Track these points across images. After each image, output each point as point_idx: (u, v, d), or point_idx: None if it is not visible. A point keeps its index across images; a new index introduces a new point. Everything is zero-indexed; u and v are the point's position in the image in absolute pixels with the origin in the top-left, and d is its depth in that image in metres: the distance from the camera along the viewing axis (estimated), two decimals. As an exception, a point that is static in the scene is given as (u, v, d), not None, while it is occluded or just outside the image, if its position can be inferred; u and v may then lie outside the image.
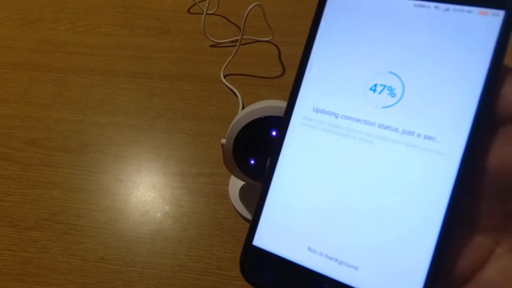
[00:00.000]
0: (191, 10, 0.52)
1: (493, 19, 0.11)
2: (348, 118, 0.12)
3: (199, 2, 0.52)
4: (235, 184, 0.29)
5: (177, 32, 0.47)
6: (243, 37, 0.46)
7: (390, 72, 0.12)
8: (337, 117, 0.12)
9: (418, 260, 0.11)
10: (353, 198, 0.11)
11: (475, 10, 0.11)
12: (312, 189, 0.12)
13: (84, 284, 0.23)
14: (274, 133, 0.22)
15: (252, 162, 0.23)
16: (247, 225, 0.27)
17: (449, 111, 0.11)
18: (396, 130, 0.11)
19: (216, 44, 0.45)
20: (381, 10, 0.12)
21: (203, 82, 0.40)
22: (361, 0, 0.12)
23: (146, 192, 0.29)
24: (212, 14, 0.51)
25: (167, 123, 0.35)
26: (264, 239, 0.12)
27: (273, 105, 0.22)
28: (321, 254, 0.11)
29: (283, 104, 0.23)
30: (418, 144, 0.11)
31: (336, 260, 0.11)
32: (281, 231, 0.12)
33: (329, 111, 0.12)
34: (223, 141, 0.23)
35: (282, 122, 0.13)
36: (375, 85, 0.12)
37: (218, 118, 0.35)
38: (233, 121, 0.23)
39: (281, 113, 0.22)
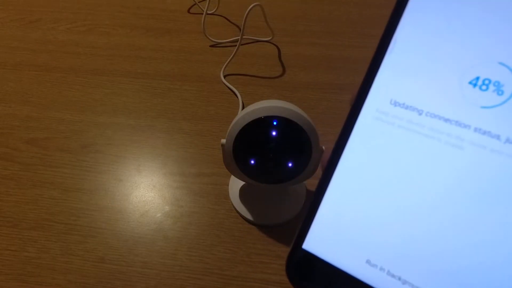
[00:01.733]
0: (191, 10, 0.52)
1: None
2: (436, 116, 0.09)
3: (199, 2, 0.52)
4: (235, 184, 0.29)
5: (177, 32, 0.47)
6: (243, 37, 0.46)
7: (500, 63, 0.09)
8: (420, 114, 0.10)
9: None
10: (429, 211, 0.09)
11: None
12: (379, 195, 0.10)
13: (84, 284, 0.23)
14: (274, 133, 0.22)
15: (252, 162, 0.23)
16: (247, 225, 0.27)
17: None
18: (497, 137, 0.09)
19: (216, 44, 0.45)
20: None
21: (203, 82, 0.40)
22: None
23: (146, 192, 0.29)
24: (212, 14, 0.51)
25: (167, 123, 0.35)
26: (316, 243, 0.11)
27: (273, 105, 0.22)
28: (382, 269, 0.10)
29: (283, 104, 0.23)
30: None
31: (399, 279, 0.10)
32: (337, 236, 0.10)
33: (411, 106, 0.10)
34: (223, 141, 0.23)
35: (350, 113, 0.10)
36: (477, 78, 0.09)
37: (218, 118, 0.35)
38: (233, 121, 0.23)
39: (281, 113, 0.22)
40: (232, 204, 0.28)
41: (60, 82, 0.39)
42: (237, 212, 0.27)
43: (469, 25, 0.09)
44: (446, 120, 0.10)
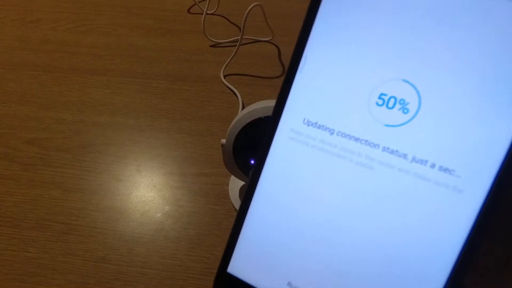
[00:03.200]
0: (191, 10, 0.52)
1: None
2: (346, 136, 0.10)
3: (199, 2, 0.52)
4: (235, 184, 0.29)
5: (177, 32, 0.47)
6: (243, 37, 0.46)
7: (404, 81, 0.09)
8: (332, 134, 0.10)
9: None
10: (344, 232, 0.10)
11: None
12: (296, 217, 0.10)
13: (84, 284, 0.23)
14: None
15: (252, 162, 0.23)
16: (247, 225, 0.27)
17: (476, 138, 0.08)
18: (404, 156, 0.09)
19: (216, 44, 0.45)
20: (396, 2, 0.09)
21: (203, 82, 0.40)
22: None
23: (146, 192, 0.29)
24: (212, 14, 0.51)
25: (167, 123, 0.35)
26: (240, 266, 0.11)
27: (273, 105, 0.22)
28: None
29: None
30: (431, 176, 0.09)
31: None
32: (259, 260, 0.10)
33: (323, 125, 0.10)
34: (223, 141, 0.23)
35: (265, 134, 0.10)
36: (384, 96, 0.09)
37: (218, 118, 0.35)
38: (233, 121, 0.23)
39: (281, 113, 0.22)
40: (232, 204, 0.28)
41: (60, 82, 0.39)
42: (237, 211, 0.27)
43: (375, 43, 0.09)
44: (356, 139, 0.10)
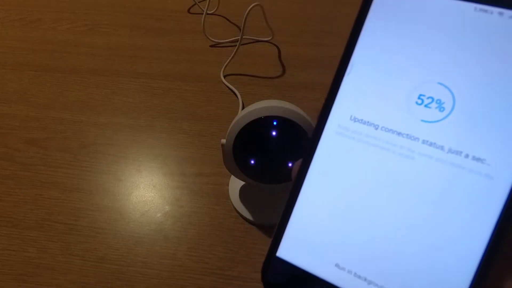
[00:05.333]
0: (191, 10, 0.52)
1: None
2: (389, 130, 0.11)
3: (199, 2, 0.52)
4: (235, 184, 0.29)
5: (177, 32, 0.47)
6: (244, 37, 0.46)
7: (439, 83, 0.11)
8: (376, 129, 0.11)
9: (454, 285, 0.10)
10: (388, 216, 0.11)
11: None
12: (344, 203, 0.11)
13: (84, 284, 0.23)
14: (274, 133, 0.22)
15: (252, 162, 0.23)
16: (248, 225, 0.27)
17: (503, 132, 0.10)
18: (441, 148, 0.10)
19: (216, 44, 0.45)
20: (436, 12, 0.11)
21: (203, 82, 0.40)
22: (413, 1, 0.11)
23: (146, 192, 0.29)
24: (212, 14, 0.51)
25: (167, 123, 0.35)
26: (289, 251, 0.11)
27: (273, 105, 0.22)
28: (349, 271, 0.11)
29: (283, 104, 0.23)
30: (465, 165, 0.10)
31: (365, 279, 0.11)
32: (308, 244, 0.11)
33: (368, 122, 0.11)
34: (223, 141, 0.23)
35: (315, 129, 0.12)
36: (422, 96, 0.11)
37: (218, 118, 0.35)
38: (233, 121, 0.23)
39: (281, 113, 0.22)
40: (232, 204, 0.28)
41: (60, 82, 0.39)
42: (237, 212, 0.27)
43: (416, 49, 0.11)
44: (398, 133, 0.11)
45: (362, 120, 0.11)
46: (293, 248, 0.11)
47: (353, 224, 0.11)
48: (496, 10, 0.10)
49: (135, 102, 0.37)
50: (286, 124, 0.22)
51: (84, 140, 0.33)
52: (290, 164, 0.23)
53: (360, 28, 0.12)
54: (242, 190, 0.28)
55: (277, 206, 0.27)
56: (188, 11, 0.52)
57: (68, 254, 0.25)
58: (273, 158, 0.23)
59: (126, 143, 0.33)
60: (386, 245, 0.11)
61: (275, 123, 0.22)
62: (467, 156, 0.10)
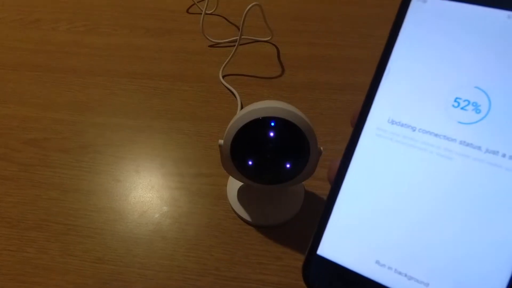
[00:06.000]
0: (190, 10, 0.52)
1: None
2: (427, 132, 0.11)
3: (198, 2, 0.52)
4: (234, 185, 0.28)
5: (176, 32, 0.47)
6: (243, 37, 0.46)
7: (476, 87, 0.11)
8: (414, 131, 0.12)
9: (493, 282, 0.10)
10: (426, 213, 0.11)
11: None
12: (383, 201, 0.12)
13: (82, 284, 0.23)
14: (272, 134, 0.22)
15: (250, 163, 0.23)
16: (246, 226, 0.27)
17: None
18: (479, 148, 0.11)
19: (215, 44, 0.45)
20: (470, 19, 0.11)
21: (202, 82, 0.40)
22: (448, 9, 0.12)
23: (144, 192, 0.29)
24: (211, 14, 0.50)
25: (166, 124, 0.35)
26: (329, 248, 0.12)
27: (272, 105, 0.22)
28: (390, 268, 0.11)
29: (281, 104, 0.22)
30: (503, 164, 0.11)
31: (405, 275, 0.11)
32: (348, 242, 0.12)
33: (405, 124, 0.12)
34: (221, 141, 0.23)
35: (354, 131, 0.12)
36: (459, 99, 0.11)
37: (217, 118, 0.35)
38: (231, 122, 0.23)
39: (279, 114, 0.22)
40: (230, 205, 0.28)
41: (59, 83, 0.40)
42: (235, 213, 0.27)
43: (452, 54, 0.11)
44: (436, 135, 0.11)
45: (400, 122, 0.12)
46: (334, 246, 0.12)
47: (392, 222, 0.11)
48: None
49: (134, 103, 0.37)
50: (284, 125, 0.22)
51: (83, 140, 0.33)
52: (288, 165, 0.23)
53: (397, 33, 0.12)
54: (240, 191, 0.28)
55: (275, 207, 0.27)
56: (187, 11, 0.52)
57: (67, 255, 0.25)
58: (270, 159, 0.23)
59: (125, 144, 0.33)
60: (425, 242, 0.11)
61: (272, 124, 0.22)
62: (504, 155, 0.11)
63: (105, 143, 0.33)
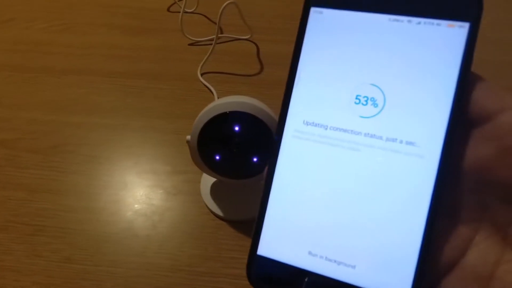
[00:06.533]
0: (170, 9, 0.52)
1: (460, 30, 0.12)
2: (337, 129, 0.13)
3: (178, 0, 0.52)
4: (207, 181, 0.28)
5: (155, 30, 0.47)
6: (223, 35, 0.46)
7: (372, 84, 0.12)
8: (326, 129, 0.13)
9: (408, 254, 0.12)
10: (346, 202, 0.12)
11: (444, 23, 0.12)
12: (307, 197, 0.13)
13: (49, 285, 0.23)
14: (236, 128, 0.22)
15: (217, 157, 0.23)
16: (219, 221, 0.27)
17: (426, 118, 0.12)
18: (380, 138, 0.12)
19: (195, 43, 0.45)
20: (360, 25, 0.13)
21: (180, 80, 0.39)
22: (341, 18, 0.13)
23: (117, 191, 0.29)
24: (191, 12, 0.50)
25: (142, 122, 0.34)
26: (267, 247, 0.13)
27: (236, 100, 0.22)
28: (321, 257, 0.12)
29: (246, 99, 0.23)
30: (401, 149, 0.12)
31: (335, 261, 0.12)
32: (283, 239, 0.13)
33: (318, 123, 0.13)
34: (188, 137, 0.23)
35: (276, 133, 0.13)
36: (359, 96, 0.13)
37: (194, 116, 0.34)
38: (197, 117, 0.23)
39: (243, 108, 0.22)
40: (204, 200, 0.28)
41: (33, 82, 0.39)
42: (209, 208, 0.27)
43: (349, 58, 0.13)
44: (344, 130, 0.13)
45: (313, 122, 0.13)
46: (270, 244, 0.13)
47: (318, 214, 0.13)
48: (405, 18, 0.12)
49: (110, 102, 0.37)
50: (249, 119, 0.22)
51: (55, 140, 0.32)
52: (255, 159, 0.23)
53: (302, 43, 0.13)
54: (213, 187, 0.28)
55: (247, 202, 0.27)
56: (168, 9, 0.52)
57: (34, 256, 0.24)
58: (237, 153, 0.23)
59: (99, 143, 0.32)
60: (348, 228, 0.12)
61: (237, 118, 0.22)
62: (401, 141, 0.12)
63: (78, 143, 0.32)
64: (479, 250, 0.11)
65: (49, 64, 0.41)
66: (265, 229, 0.13)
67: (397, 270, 0.12)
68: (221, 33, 0.46)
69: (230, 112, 0.22)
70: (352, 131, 0.13)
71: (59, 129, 0.33)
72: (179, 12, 0.46)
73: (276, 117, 0.23)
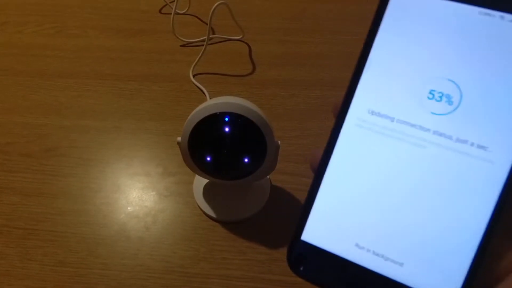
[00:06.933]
0: (162, 11, 0.52)
1: None
2: (404, 122, 0.12)
3: (170, 2, 0.52)
4: (199, 182, 0.29)
5: (147, 32, 0.47)
6: (214, 36, 0.46)
7: (449, 80, 0.12)
8: (392, 121, 0.12)
9: (461, 259, 0.11)
10: (401, 198, 0.12)
11: None
12: (362, 188, 0.12)
13: (42, 289, 0.23)
14: (227, 129, 0.22)
15: (208, 159, 0.23)
16: (211, 222, 0.27)
17: (502, 123, 0.11)
18: (450, 137, 0.12)
19: (187, 44, 0.45)
20: (444, 15, 0.12)
21: (172, 82, 0.40)
22: (425, 3, 0.12)
23: (110, 193, 0.29)
24: (183, 14, 0.50)
25: (134, 124, 0.35)
26: (313, 234, 0.12)
27: (227, 101, 0.22)
28: (368, 250, 0.12)
29: (236, 100, 0.23)
30: (471, 152, 0.11)
31: (382, 256, 0.12)
32: (330, 227, 0.12)
33: (384, 115, 0.12)
34: (179, 139, 0.23)
35: (336, 121, 0.13)
36: (433, 91, 0.12)
37: (186, 117, 0.35)
38: (187, 119, 0.23)
39: (233, 109, 0.22)
40: (196, 202, 0.28)
41: (25, 86, 0.39)
42: (201, 210, 0.27)
43: (427, 48, 0.12)
44: (412, 125, 0.12)
45: (379, 113, 0.12)
46: (317, 231, 0.12)
47: (370, 207, 0.12)
48: (497, 14, 0.11)
49: (102, 104, 0.37)
50: (238, 120, 0.22)
51: (47, 143, 0.32)
52: (246, 160, 0.23)
53: (377, 28, 0.13)
54: (206, 188, 0.28)
55: (240, 203, 0.27)
56: (160, 11, 0.52)
57: (26, 259, 0.24)
58: (228, 154, 0.23)
59: (92, 146, 0.32)
60: (400, 225, 0.12)
61: (226, 119, 0.22)
62: (472, 144, 0.12)
63: (70, 146, 0.32)
64: None
65: (41, 68, 0.41)
66: (313, 215, 0.13)
67: (448, 274, 0.11)
68: (213, 33, 0.46)
69: (220, 113, 0.22)
70: (420, 126, 0.12)
71: (52, 132, 0.34)
72: (171, 13, 0.47)
73: (266, 117, 0.23)
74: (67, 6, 0.52)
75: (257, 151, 0.23)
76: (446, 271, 0.11)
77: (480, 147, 0.11)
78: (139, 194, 0.29)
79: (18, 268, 0.24)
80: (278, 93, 0.38)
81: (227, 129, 0.22)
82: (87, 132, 0.34)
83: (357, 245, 0.12)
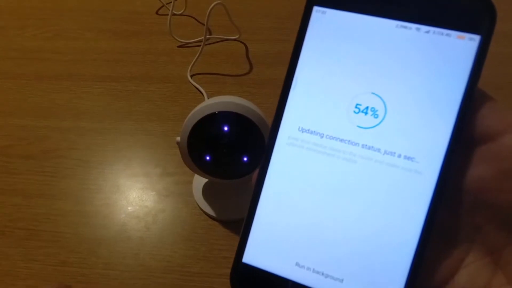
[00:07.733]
0: (159, 12, 0.52)
1: (469, 43, 0.11)
2: (333, 138, 0.12)
3: (167, 3, 0.52)
4: (199, 181, 0.29)
5: (144, 34, 0.47)
6: (211, 36, 0.46)
7: (373, 93, 0.12)
8: (322, 137, 0.12)
9: (397, 271, 0.11)
10: (337, 215, 0.12)
11: (454, 33, 0.11)
12: (298, 207, 0.12)
13: (45, 289, 0.23)
14: (226, 129, 0.23)
15: (208, 158, 0.24)
16: (211, 221, 0.28)
17: (427, 133, 0.11)
18: (378, 150, 0.12)
19: (184, 45, 0.46)
20: (364, 29, 0.12)
21: (169, 82, 0.40)
22: (345, 20, 0.12)
23: (109, 194, 0.29)
24: (180, 15, 0.51)
25: (132, 125, 0.35)
26: (253, 256, 0.12)
27: (226, 100, 0.23)
28: (308, 268, 0.12)
29: (236, 99, 0.23)
30: (399, 164, 0.12)
31: (322, 273, 0.12)
32: (270, 248, 0.12)
33: (314, 131, 0.12)
34: (178, 138, 0.24)
35: (268, 141, 0.13)
36: (359, 105, 0.12)
37: (184, 117, 0.35)
38: (186, 118, 0.23)
39: (232, 108, 0.22)
40: (196, 201, 0.28)
41: (23, 89, 0.39)
42: (201, 209, 0.28)
43: (350, 64, 0.12)
44: (341, 140, 0.12)
45: (309, 130, 0.12)
46: (257, 252, 0.12)
47: (308, 224, 0.12)
48: (413, 26, 0.12)
49: (100, 106, 0.37)
50: (237, 119, 0.22)
51: (47, 145, 0.33)
52: (245, 159, 0.24)
53: (301, 44, 0.13)
54: (205, 187, 0.28)
55: (239, 202, 0.28)
56: (157, 12, 0.52)
57: (29, 260, 0.25)
58: (227, 153, 0.23)
59: (90, 147, 0.33)
60: (338, 241, 0.12)
61: (225, 118, 0.22)
62: (399, 156, 0.12)
63: (69, 147, 0.33)
64: (469, 272, 0.11)
65: (39, 71, 0.41)
66: (252, 236, 0.12)
67: (386, 287, 0.11)
68: (210, 34, 0.46)
69: (219, 112, 0.22)
70: (349, 141, 0.12)
71: (51, 134, 0.34)
72: (168, 14, 0.47)
73: (265, 116, 0.23)
74: (65, 9, 0.52)
75: (256, 150, 0.23)
76: (385, 284, 0.11)
77: (408, 158, 0.11)
78: (139, 195, 0.29)
79: (21, 268, 0.24)
80: (275, 93, 0.38)
81: (226, 128, 0.23)
82: (86, 134, 0.34)
83: (297, 264, 0.12)
